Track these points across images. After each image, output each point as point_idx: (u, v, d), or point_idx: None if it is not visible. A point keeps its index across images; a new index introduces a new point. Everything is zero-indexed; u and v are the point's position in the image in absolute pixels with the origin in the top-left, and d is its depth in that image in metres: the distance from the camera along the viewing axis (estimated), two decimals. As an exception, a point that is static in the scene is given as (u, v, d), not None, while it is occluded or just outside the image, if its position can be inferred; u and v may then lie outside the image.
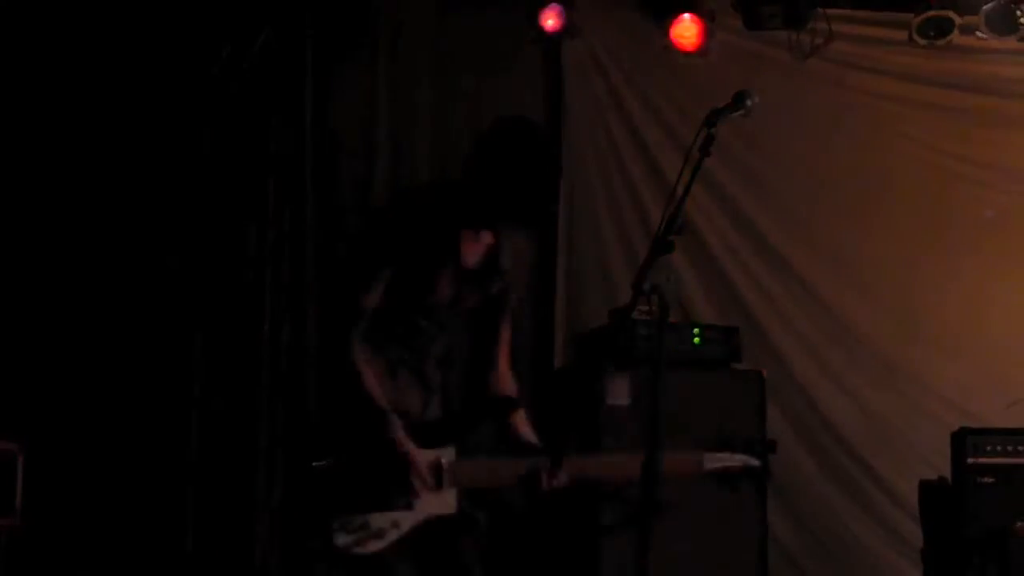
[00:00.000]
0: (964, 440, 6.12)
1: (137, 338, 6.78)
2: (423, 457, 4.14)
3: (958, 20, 6.97)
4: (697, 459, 4.29)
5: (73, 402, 6.62)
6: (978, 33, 7.00)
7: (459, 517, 4.19)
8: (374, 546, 4.10)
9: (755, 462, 4.34)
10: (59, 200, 6.76)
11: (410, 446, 4.13)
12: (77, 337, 6.71)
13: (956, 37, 7.02)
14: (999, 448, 6.10)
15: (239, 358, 6.91)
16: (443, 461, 4.16)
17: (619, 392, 6.00)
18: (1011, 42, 7.04)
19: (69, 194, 6.77)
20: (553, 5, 7.08)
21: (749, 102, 3.70)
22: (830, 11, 7.17)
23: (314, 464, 4.15)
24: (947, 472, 6.20)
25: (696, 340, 6.32)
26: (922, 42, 7.06)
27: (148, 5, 6.83)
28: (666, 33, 7.17)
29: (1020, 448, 6.10)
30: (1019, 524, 5.92)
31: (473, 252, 4.33)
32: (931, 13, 6.98)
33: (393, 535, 4.11)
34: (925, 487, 6.27)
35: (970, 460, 6.08)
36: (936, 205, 7.34)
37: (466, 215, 4.30)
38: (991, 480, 6.04)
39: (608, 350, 6.14)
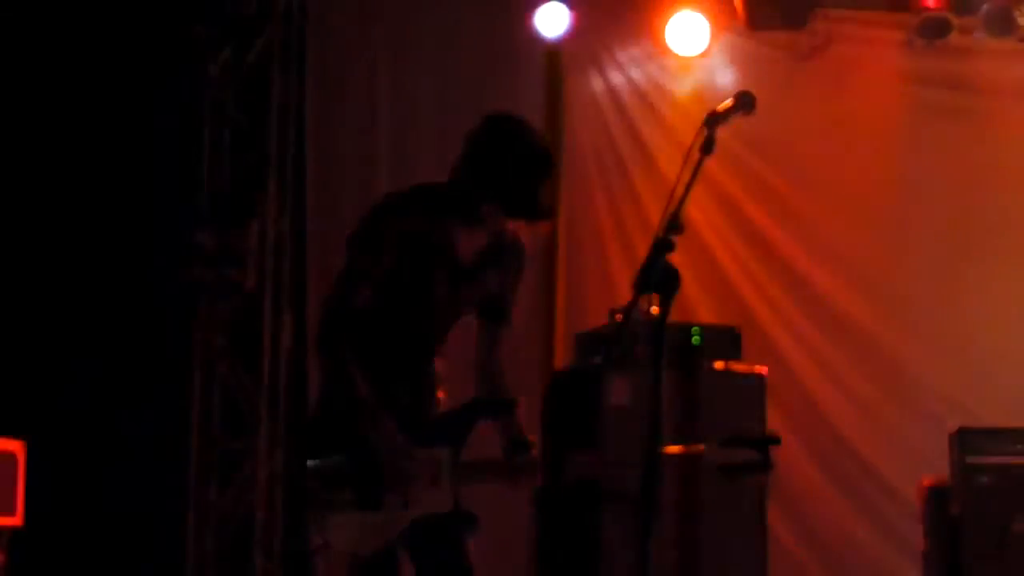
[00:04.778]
0: (964, 440, 6.13)
1: (137, 338, 6.78)
2: (419, 455, 4.15)
3: (957, 21, 6.98)
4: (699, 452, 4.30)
5: (74, 402, 6.62)
6: (976, 34, 7.00)
7: (456, 515, 4.20)
8: (372, 544, 4.11)
9: (756, 456, 4.35)
10: (59, 200, 6.77)
11: (405, 444, 4.13)
12: (77, 337, 6.71)
13: (955, 38, 7.02)
14: (999, 448, 6.10)
15: (239, 358, 6.91)
16: (440, 459, 4.17)
17: (619, 392, 5.99)
18: (1010, 43, 7.04)
19: (69, 194, 6.78)
20: (553, 5, 7.09)
21: (749, 102, 3.70)
22: (830, 11, 7.18)
23: (311, 463, 4.16)
24: (947, 472, 6.21)
25: (696, 340, 6.30)
26: (921, 43, 7.07)
27: (148, 4, 6.83)
28: (666, 34, 7.18)
29: (1020, 448, 6.11)
30: (1019, 524, 5.93)
31: (469, 250, 4.33)
32: (930, 14, 6.98)
33: (390, 533, 4.11)
34: (925, 487, 6.27)
35: (970, 460, 6.09)
36: (936, 205, 7.34)
37: (459, 212, 4.30)
38: (991, 480, 6.05)
39: (608, 350, 6.13)
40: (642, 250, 3.99)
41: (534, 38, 7.18)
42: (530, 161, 4.27)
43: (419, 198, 4.37)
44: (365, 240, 4.30)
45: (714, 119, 3.64)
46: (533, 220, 4.38)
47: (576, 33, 7.22)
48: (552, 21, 7.10)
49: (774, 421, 6.54)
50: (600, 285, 7.27)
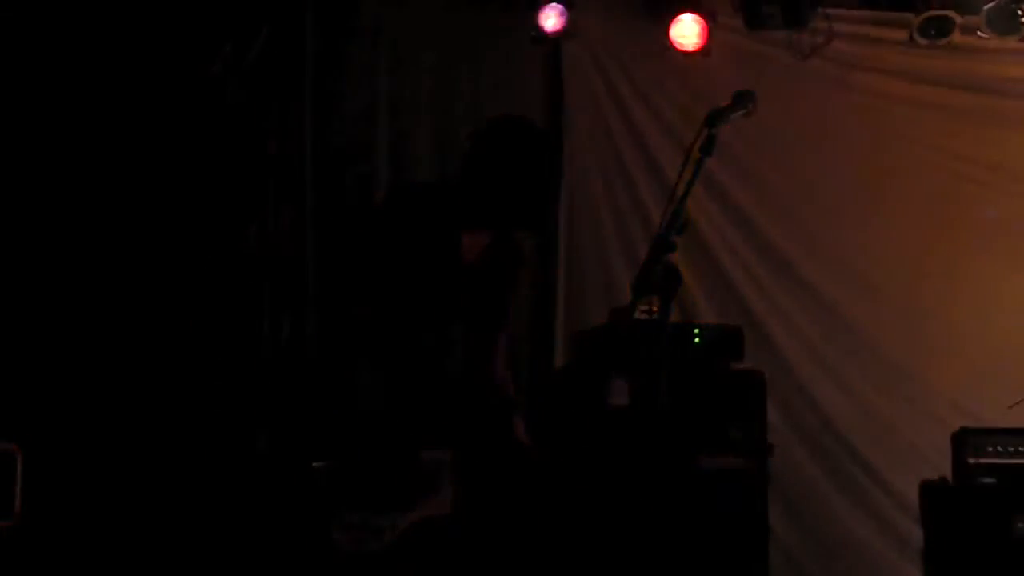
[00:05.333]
0: (965, 440, 6.13)
1: (136, 338, 6.77)
2: (421, 457, 4.15)
3: (959, 20, 6.96)
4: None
5: (73, 402, 6.61)
6: (979, 33, 6.99)
7: (456, 517, 4.20)
8: (372, 546, 4.11)
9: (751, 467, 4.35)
10: (59, 200, 6.76)
11: (407, 446, 4.13)
12: (77, 337, 6.70)
13: (957, 37, 7.00)
14: (1000, 448, 6.10)
15: (239, 358, 6.90)
16: (441, 461, 4.17)
17: (619, 392, 5.99)
18: (1012, 42, 7.03)
19: (69, 194, 6.77)
20: (553, 5, 7.08)
21: (749, 102, 3.70)
22: (830, 11, 7.17)
23: (313, 464, 4.16)
24: (948, 472, 6.21)
25: (696, 340, 6.31)
26: (923, 42, 7.05)
27: (149, 3, 6.82)
28: (666, 33, 7.17)
29: (1020, 448, 6.11)
30: (1019, 524, 5.92)
31: (471, 251, 4.32)
32: (932, 13, 6.97)
33: (390, 535, 4.12)
34: (926, 487, 6.27)
35: (971, 460, 6.09)
36: (937, 205, 7.33)
37: (464, 215, 4.29)
38: (991, 480, 6.05)
39: (608, 350, 6.13)
40: (642, 250, 4.00)
41: (534, 38, 7.17)
42: (527, 171, 4.24)
43: (421, 198, 4.36)
44: (367, 241, 4.30)
45: (714, 118, 3.65)
46: (526, 229, 4.35)
47: (576, 33, 7.22)
48: (552, 20, 7.09)
49: (774, 421, 6.56)
50: (600, 285, 7.27)
